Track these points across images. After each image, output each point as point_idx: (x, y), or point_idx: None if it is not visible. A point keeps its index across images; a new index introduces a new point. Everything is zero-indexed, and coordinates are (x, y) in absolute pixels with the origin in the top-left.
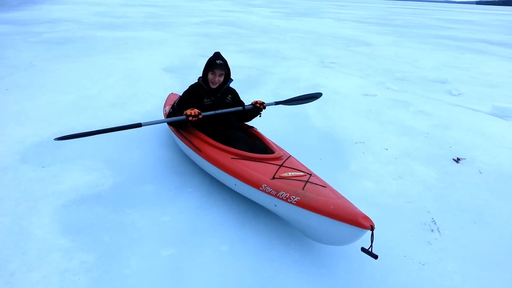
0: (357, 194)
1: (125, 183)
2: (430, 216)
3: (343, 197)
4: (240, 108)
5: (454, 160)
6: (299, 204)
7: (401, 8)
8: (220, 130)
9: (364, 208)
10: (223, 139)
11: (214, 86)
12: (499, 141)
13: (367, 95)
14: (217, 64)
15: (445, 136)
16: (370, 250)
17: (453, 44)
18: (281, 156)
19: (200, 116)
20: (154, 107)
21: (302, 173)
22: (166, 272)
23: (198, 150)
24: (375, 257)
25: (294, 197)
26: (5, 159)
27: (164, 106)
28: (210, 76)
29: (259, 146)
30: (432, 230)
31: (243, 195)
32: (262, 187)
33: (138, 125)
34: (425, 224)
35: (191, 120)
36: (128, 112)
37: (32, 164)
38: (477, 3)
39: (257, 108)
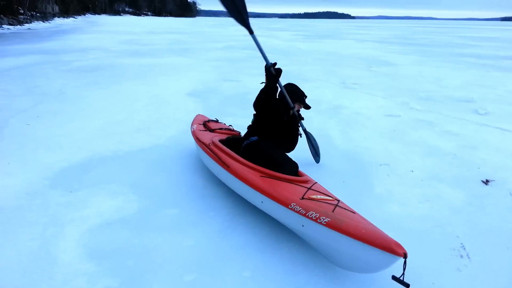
0: (382, 218)
1: (149, 207)
2: (459, 241)
3: (372, 224)
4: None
5: (483, 182)
6: (329, 225)
7: (423, 27)
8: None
9: (389, 232)
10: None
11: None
12: None
13: (390, 115)
14: (304, 99)
15: (473, 157)
16: (402, 278)
17: (478, 62)
18: (309, 180)
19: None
20: (178, 131)
21: (331, 198)
22: None
23: (226, 166)
24: (407, 286)
25: (324, 217)
26: (35, 184)
27: (192, 125)
28: (296, 106)
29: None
30: (462, 256)
31: (269, 214)
32: (291, 206)
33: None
34: (454, 249)
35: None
36: (153, 136)
37: (60, 189)
38: (502, 19)
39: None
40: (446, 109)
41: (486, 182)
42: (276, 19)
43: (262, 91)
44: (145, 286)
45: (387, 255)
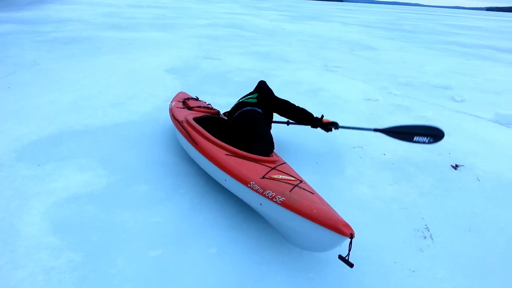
0: (351, 199)
1: (118, 183)
2: (423, 222)
3: (328, 204)
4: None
5: (452, 166)
6: (283, 204)
7: (410, 13)
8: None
9: (357, 213)
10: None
11: None
12: (499, 148)
13: (369, 99)
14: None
15: (445, 142)
16: (347, 258)
17: (460, 50)
18: (276, 161)
19: None
20: (154, 107)
21: (293, 178)
22: (152, 272)
23: (194, 144)
24: (351, 265)
25: (279, 197)
26: (1, 156)
27: (171, 102)
28: None
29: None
30: (425, 237)
31: (232, 192)
32: (250, 184)
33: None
34: (418, 230)
35: None
36: (127, 112)
37: (27, 162)
38: (487, 9)
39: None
40: (423, 95)
41: (456, 167)
42: None
43: (296, 109)
44: (109, 260)
45: (334, 235)
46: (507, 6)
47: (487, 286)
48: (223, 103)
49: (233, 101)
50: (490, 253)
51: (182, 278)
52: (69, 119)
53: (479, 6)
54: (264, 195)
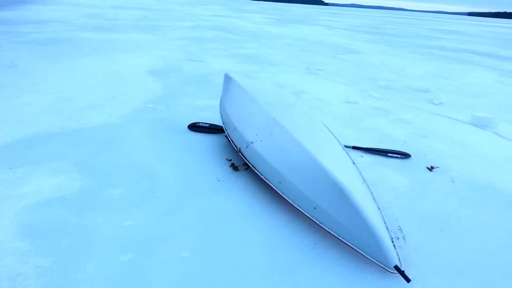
0: None
1: (92, 186)
2: (397, 224)
3: None
4: None
5: (428, 168)
6: None
7: (394, 17)
8: None
9: None
10: None
11: None
12: (474, 150)
13: (349, 102)
14: None
15: (422, 144)
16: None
17: (440, 54)
18: None
19: None
20: (133, 109)
21: None
22: (122, 277)
23: None
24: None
25: None
26: None
27: None
28: None
29: None
30: (398, 238)
31: None
32: None
33: None
34: (391, 231)
35: None
36: (106, 114)
37: None
38: (469, 14)
39: None
40: (403, 98)
41: (431, 168)
42: (250, 1)
43: None
44: (78, 265)
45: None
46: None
47: (455, 286)
48: (204, 105)
49: (215, 104)
50: (461, 253)
51: (152, 282)
52: (45, 121)
53: (461, 11)
54: None
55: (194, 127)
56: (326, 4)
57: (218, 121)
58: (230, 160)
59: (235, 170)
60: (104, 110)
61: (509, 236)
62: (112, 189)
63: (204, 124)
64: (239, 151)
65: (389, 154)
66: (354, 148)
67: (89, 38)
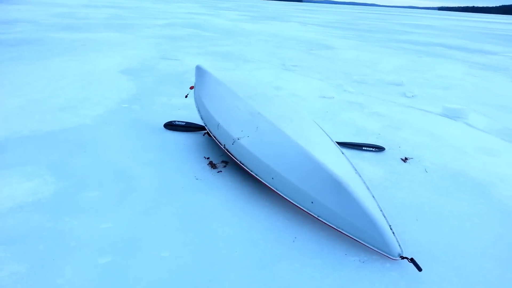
0: None
1: (67, 189)
2: None
3: None
4: None
5: (402, 159)
6: None
7: (367, 13)
8: None
9: None
10: None
11: None
12: (446, 140)
13: (325, 97)
14: None
15: (395, 136)
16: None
17: (412, 48)
18: None
19: None
20: (107, 110)
21: None
22: (101, 280)
23: None
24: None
25: None
26: None
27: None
28: None
29: None
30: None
31: None
32: None
33: None
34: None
35: None
36: (78, 115)
37: None
38: (439, 9)
39: None
40: (377, 91)
41: (405, 159)
42: None
43: None
44: (56, 270)
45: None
46: (457, 6)
47: (432, 272)
48: (180, 104)
49: (191, 102)
50: (435, 240)
51: (132, 283)
52: (16, 124)
53: (431, 6)
54: None
55: (170, 126)
56: (301, 0)
57: (195, 119)
58: (208, 158)
59: (213, 168)
60: (76, 111)
61: (481, 222)
62: (87, 191)
63: (180, 123)
64: (224, 147)
65: (364, 148)
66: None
67: (60, 38)
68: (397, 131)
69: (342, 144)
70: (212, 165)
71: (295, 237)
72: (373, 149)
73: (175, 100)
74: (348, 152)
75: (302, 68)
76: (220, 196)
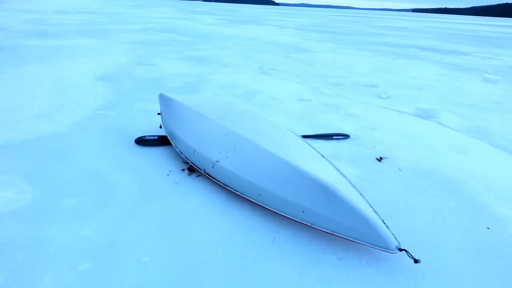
0: None
1: (44, 197)
2: None
3: None
4: None
5: (377, 159)
6: None
7: (342, 16)
8: None
9: None
10: None
11: None
12: (419, 140)
13: (302, 100)
14: None
15: (371, 137)
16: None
17: (386, 50)
18: None
19: None
20: (83, 117)
21: None
22: (81, 286)
23: None
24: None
25: None
26: None
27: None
28: None
29: None
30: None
31: None
32: None
33: None
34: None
35: None
36: (54, 123)
37: None
38: (413, 10)
39: None
40: (352, 93)
41: (380, 159)
42: (200, 2)
43: None
44: (35, 278)
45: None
46: (430, 7)
47: (406, 267)
48: (158, 109)
49: None
50: (408, 236)
51: None
52: None
53: (405, 8)
54: None
55: (143, 142)
56: (277, 4)
57: None
58: (187, 163)
59: (192, 173)
60: (52, 119)
61: (453, 217)
62: (65, 199)
63: (152, 137)
64: (205, 172)
65: (334, 137)
66: (304, 137)
67: (33, 45)
68: (373, 132)
69: (314, 137)
70: (191, 169)
71: (274, 238)
72: (341, 137)
73: (153, 106)
74: (325, 151)
75: (280, 71)
76: (199, 199)
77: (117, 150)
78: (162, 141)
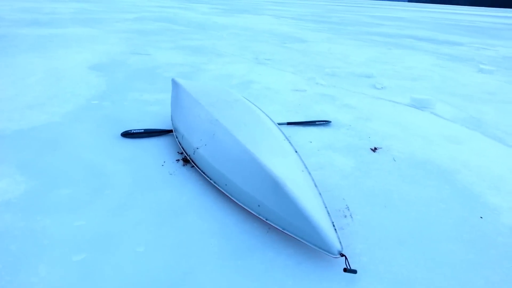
0: None
1: (38, 188)
2: (344, 203)
3: None
4: None
5: (372, 149)
6: None
7: (338, 5)
8: None
9: None
10: None
11: None
12: (414, 130)
13: (297, 90)
14: None
15: (365, 127)
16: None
17: (382, 40)
18: None
19: None
20: (76, 107)
21: None
22: (76, 277)
23: None
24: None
25: None
26: None
27: None
28: None
29: None
30: (345, 216)
31: None
32: None
33: None
34: (339, 211)
35: None
36: (47, 113)
37: None
38: (409, 0)
39: None
40: (348, 84)
41: (374, 149)
42: None
43: None
44: (29, 269)
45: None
46: None
47: (399, 255)
48: (152, 100)
49: (163, 98)
50: (402, 225)
51: (108, 279)
52: None
53: None
54: None
55: (129, 135)
56: None
57: (166, 116)
58: (181, 153)
59: (187, 163)
60: (45, 109)
61: (447, 207)
62: (59, 189)
63: (138, 130)
64: (190, 158)
65: (316, 123)
66: (289, 123)
67: (25, 34)
68: (367, 122)
69: (299, 123)
70: (186, 160)
71: (269, 228)
72: (323, 122)
73: (147, 96)
74: (320, 143)
75: (275, 61)
76: (194, 190)
77: (111, 140)
78: (149, 134)
